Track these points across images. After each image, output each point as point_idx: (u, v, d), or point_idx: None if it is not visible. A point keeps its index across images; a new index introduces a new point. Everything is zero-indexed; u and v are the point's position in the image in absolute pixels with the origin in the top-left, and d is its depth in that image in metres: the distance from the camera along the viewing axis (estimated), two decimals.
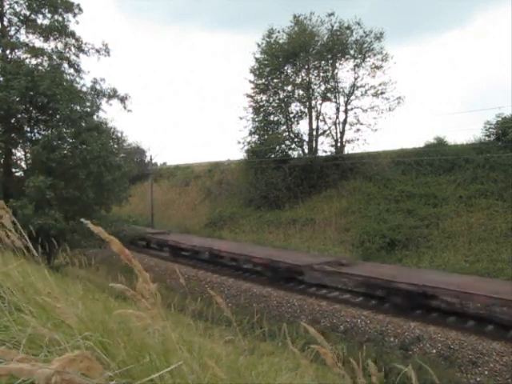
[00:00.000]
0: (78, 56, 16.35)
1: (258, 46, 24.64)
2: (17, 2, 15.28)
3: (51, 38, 15.92)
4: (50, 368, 0.76)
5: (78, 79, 16.09)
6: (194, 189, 29.19)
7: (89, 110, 14.53)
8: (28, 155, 13.68)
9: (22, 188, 11.47)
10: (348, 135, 23.92)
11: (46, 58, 15.10)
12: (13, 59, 14.37)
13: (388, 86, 22.77)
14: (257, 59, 24.59)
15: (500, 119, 18.08)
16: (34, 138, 13.49)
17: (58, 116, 12.90)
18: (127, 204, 16.84)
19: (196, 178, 30.36)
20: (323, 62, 23.55)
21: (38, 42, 15.88)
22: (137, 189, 29.54)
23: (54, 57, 15.47)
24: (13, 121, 12.98)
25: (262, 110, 25.11)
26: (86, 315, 1.89)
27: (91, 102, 15.30)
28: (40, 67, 14.00)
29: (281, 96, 24.73)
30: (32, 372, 0.75)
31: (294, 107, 24.81)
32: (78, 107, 13.79)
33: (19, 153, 14.23)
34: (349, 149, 23.99)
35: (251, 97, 25.18)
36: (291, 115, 24.81)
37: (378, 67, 23.05)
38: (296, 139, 24.72)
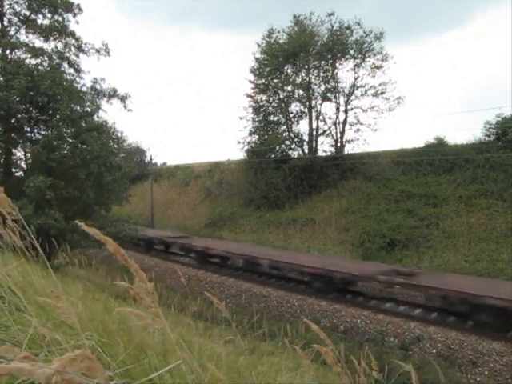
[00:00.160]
0: (77, 56, 16.43)
1: (258, 45, 24.67)
2: (17, 2, 15.32)
3: (51, 38, 15.97)
4: (50, 368, 0.76)
5: (78, 79, 16.17)
6: (194, 189, 29.17)
7: (89, 109, 14.52)
8: (28, 155, 13.65)
9: (22, 188, 11.44)
10: (348, 135, 23.97)
11: (46, 58, 15.13)
12: (13, 59, 14.38)
13: (388, 86, 22.82)
14: (257, 59, 24.59)
15: (500, 119, 18.08)
16: (34, 138, 13.45)
17: (58, 116, 12.87)
18: (127, 204, 16.83)
19: (196, 178, 30.34)
20: (323, 62, 23.54)
21: (38, 42, 15.96)
22: (137, 189, 29.51)
23: (54, 57, 15.50)
24: (13, 121, 12.96)
25: (261, 110, 25.10)
26: (86, 315, 1.90)
27: (91, 101, 15.31)
28: (40, 67, 13.99)
29: (281, 96, 24.72)
30: (32, 372, 0.75)
31: (294, 107, 24.86)
32: (78, 107, 13.78)
33: (19, 153, 14.21)
34: (349, 149, 24.05)
35: (251, 97, 25.18)
36: (291, 115, 24.81)
37: (377, 67, 23.05)
38: (296, 139, 24.71)
